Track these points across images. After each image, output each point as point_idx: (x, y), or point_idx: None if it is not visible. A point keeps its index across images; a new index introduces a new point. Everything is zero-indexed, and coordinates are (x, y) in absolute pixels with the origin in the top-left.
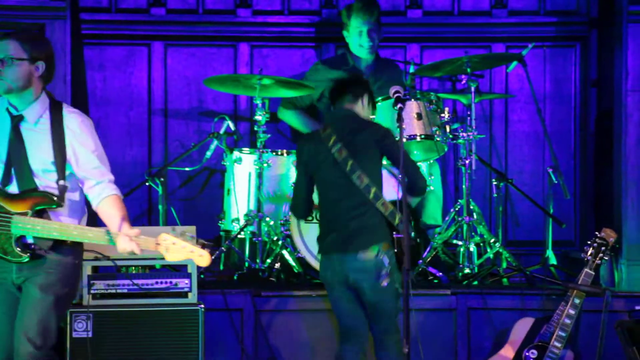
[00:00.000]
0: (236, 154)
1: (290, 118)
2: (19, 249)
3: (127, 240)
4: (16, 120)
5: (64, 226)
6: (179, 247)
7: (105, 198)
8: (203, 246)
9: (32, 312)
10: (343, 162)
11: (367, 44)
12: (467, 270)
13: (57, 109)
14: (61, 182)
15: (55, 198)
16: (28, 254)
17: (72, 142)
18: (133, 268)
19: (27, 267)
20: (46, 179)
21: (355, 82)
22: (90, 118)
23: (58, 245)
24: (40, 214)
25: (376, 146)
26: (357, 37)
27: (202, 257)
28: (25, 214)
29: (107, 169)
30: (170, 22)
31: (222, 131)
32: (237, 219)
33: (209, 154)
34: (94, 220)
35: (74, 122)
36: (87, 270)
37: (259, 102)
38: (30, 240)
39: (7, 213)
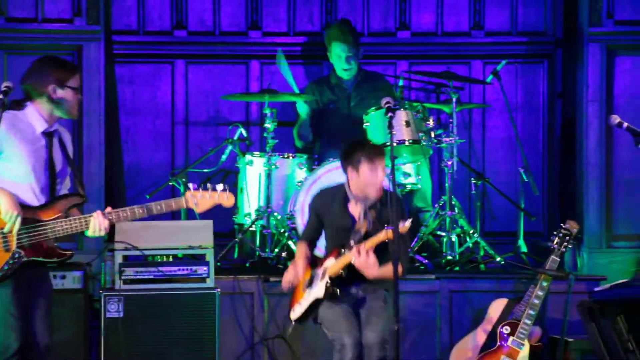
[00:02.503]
0: (248, 157)
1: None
2: (60, 250)
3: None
4: (49, 136)
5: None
6: (205, 198)
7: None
8: (223, 190)
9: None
10: None
11: (346, 67)
12: (449, 258)
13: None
14: (80, 183)
15: (82, 197)
16: (70, 252)
17: (70, 146)
18: (158, 257)
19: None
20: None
21: None
22: None
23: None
24: (67, 214)
25: None
26: (338, 61)
27: (228, 200)
28: (56, 218)
29: None
30: (190, 43)
31: (235, 137)
32: (249, 214)
33: (224, 157)
34: None
35: (69, 136)
36: (118, 258)
37: (267, 112)
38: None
39: (41, 221)
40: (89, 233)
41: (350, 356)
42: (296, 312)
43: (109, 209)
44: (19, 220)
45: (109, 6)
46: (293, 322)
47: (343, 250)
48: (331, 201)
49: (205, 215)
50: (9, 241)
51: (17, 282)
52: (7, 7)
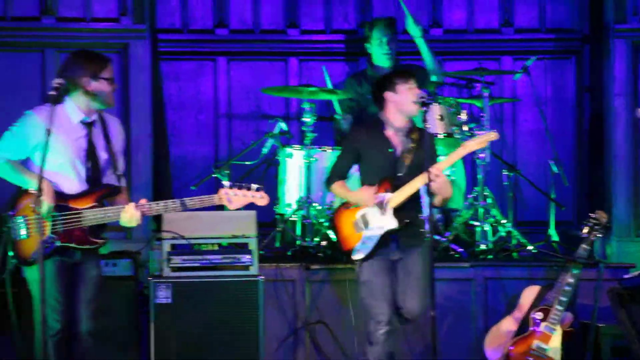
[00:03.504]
0: (288, 150)
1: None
2: (92, 237)
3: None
4: (90, 126)
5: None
6: (239, 196)
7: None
8: (258, 189)
9: (94, 289)
10: None
11: (386, 51)
12: (483, 247)
13: (100, 115)
14: (117, 173)
15: (116, 188)
16: (102, 240)
17: (119, 139)
18: (204, 245)
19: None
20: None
21: None
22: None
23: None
24: (102, 204)
25: None
26: (378, 47)
27: (262, 199)
28: (92, 207)
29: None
30: (232, 41)
31: (276, 131)
32: (290, 204)
33: (265, 150)
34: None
35: (117, 126)
36: (166, 247)
37: (306, 106)
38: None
39: (75, 209)
40: (122, 223)
41: (386, 329)
42: (361, 251)
43: (142, 201)
44: (50, 208)
45: (153, 6)
46: (357, 262)
47: (395, 181)
48: (371, 132)
49: (248, 206)
50: (44, 227)
51: (62, 267)
52: (58, 7)
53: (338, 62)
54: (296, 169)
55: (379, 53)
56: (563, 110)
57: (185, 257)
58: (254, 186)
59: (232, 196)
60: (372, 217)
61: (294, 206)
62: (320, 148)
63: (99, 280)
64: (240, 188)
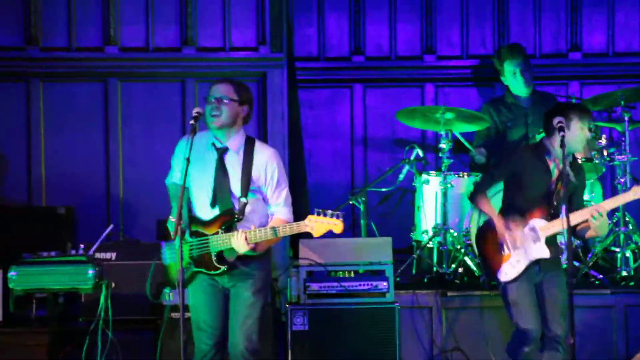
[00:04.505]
0: (424, 176)
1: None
2: (217, 263)
3: (241, 236)
4: (221, 152)
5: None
6: (320, 223)
7: (275, 218)
8: (337, 216)
9: (247, 311)
10: None
11: (522, 82)
12: (624, 273)
13: (250, 142)
14: (242, 200)
15: (235, 214)
16: (225, 266)
17: (260, 169)
18: (340, 272)
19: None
20: (236, 199)
21: None
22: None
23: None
24: (229, 230)
25: None
26: (513, 79)
27: (336, 226)
28: (216, 233)
29: (284, 194)
30: (367, 68)
31: (412, 157)
32: (426, 231)
33: (401, 176)
34: None
35: (266, 154)
36: (303, 274)
37: (443, 132)
38: (226, 255)
39: (205, 236)
40: (236, 249)
41: (531, 348)
42: (509, 274)
43: (252, 227)
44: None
45: (291, 35)
46: (503, 283)
47: (551, 210)
48: (534, 158)
49: (384, 233)
50: (182, 253)
51: (211, 290)
52: (198, 38)
53: (474, 87)
54: (432, 195)
55: (516, 85)
56: None
57: (322, 284)
58: (334, 213)
59: (315, 223)
60: (523, 241)
61: (430, 233)
62: (456, 174)
63: (247, 304)
64: (325, 215)
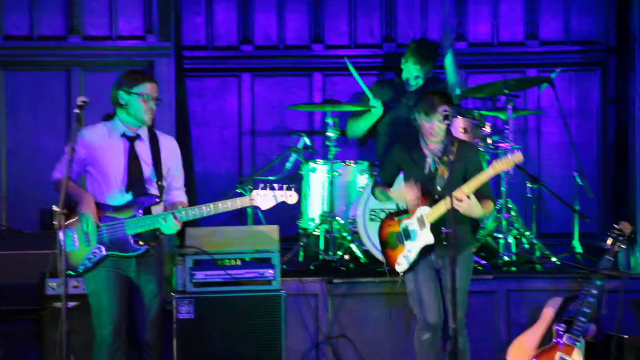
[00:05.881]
0: (312, 164)
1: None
2: (135, 244)
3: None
4: (132, 140)
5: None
6: (269, 196)
7: (178, 201)
8: (288, 188)
9: (152, 303)
10: None
11: (413, 83)
12: (506, 258)
13: (151, 131)
14: (160, 184)
15: (157, 197)
16: (144, 247)
17: (168, 155)
18: (227, 260)
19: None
20: (151, 184)
21: None
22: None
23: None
24: (148, 212)
25: None
26: (408, 74)
27: (291, 197)
28: (134, 216)
29: (182, 179)
30: (256, 57)
31: (299, 146)
32: (313, 219)
33: (289, 165)
34: None
35: (172, 141)
36: (189, 262)
37: (330, 121)
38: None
39: (117, 220)
40: (163, 230)
41: (430, 335)
42: (402, 264)
43: (180, 207)
44: (92, 219)
45: (179, 23)
46: (401, 274)
47: (435, 195)
48: (409, 151)
49: (271, 221)
50: (89, 238)
51: (114, 276)
52: (84, 26)
53: (363, 76)
54: (319, 183)
55: (410, 81)
56: (587, 122)
57: (208, 272)
58: (284, 186)
59: (263, 197)
60: (414, 231)
61: (317, 220)
62: (343, 162)
63: (156, 294)
64: (271, 189)
